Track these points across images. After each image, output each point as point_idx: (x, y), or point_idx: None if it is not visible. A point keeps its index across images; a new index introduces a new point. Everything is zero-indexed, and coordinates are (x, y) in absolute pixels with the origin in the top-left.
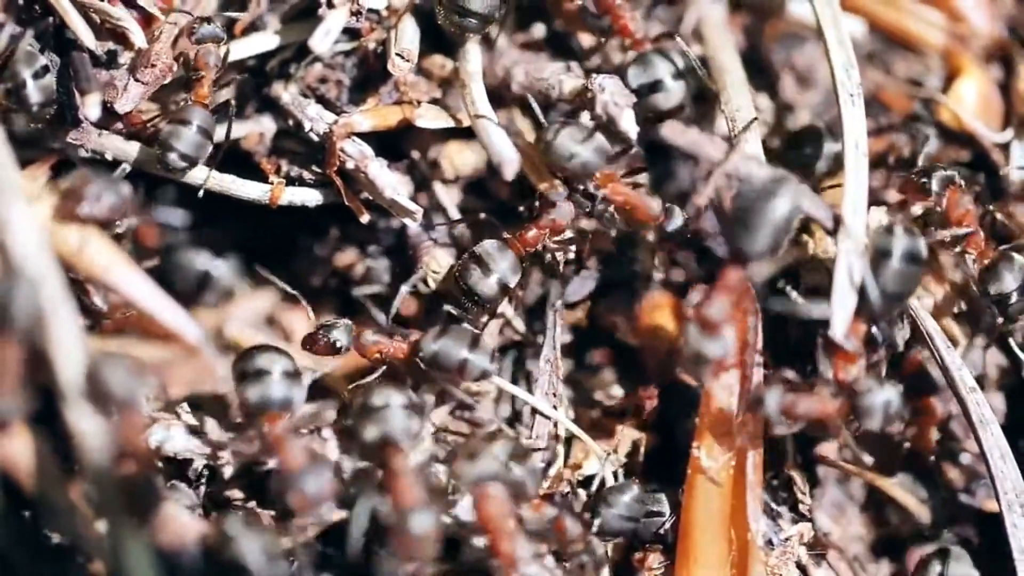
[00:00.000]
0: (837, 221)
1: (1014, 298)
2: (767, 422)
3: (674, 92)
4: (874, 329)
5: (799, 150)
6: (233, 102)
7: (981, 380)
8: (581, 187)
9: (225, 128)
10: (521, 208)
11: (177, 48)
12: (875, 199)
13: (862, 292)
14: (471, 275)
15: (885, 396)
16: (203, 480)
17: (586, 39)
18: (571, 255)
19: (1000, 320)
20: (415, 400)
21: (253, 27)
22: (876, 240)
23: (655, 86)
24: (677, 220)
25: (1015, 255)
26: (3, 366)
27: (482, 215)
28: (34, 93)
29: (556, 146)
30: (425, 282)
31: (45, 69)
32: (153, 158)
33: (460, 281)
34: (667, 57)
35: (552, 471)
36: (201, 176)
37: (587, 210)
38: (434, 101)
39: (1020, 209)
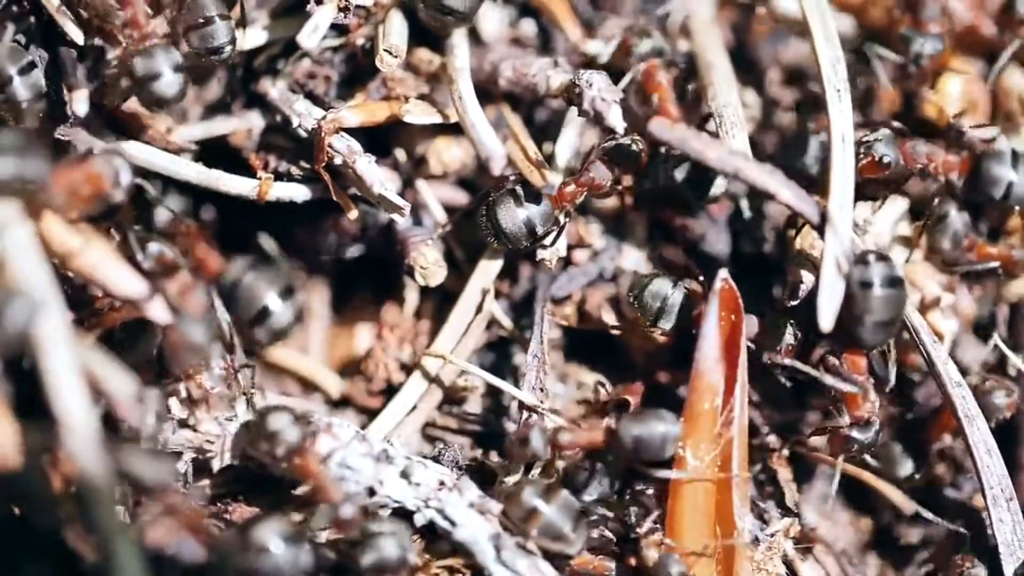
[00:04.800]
0: (823, 216)
1: None
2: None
3: None
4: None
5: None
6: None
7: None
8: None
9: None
10: None
11: None
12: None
13: (854, 325)
14: (501, 208)
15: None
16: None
17: (574, 35)
18: (563, 252)
19: None
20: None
21: (241, 23)
22: (855, 273)
23: None
24: None
25: None
26: None
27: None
28: (21, 89)
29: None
30: (412, 277)
31: (32, 65)
32: (145, 154)
33: (489, 212)
34: None
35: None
36: (190, 171)
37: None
38: (422, 97)
39: None
